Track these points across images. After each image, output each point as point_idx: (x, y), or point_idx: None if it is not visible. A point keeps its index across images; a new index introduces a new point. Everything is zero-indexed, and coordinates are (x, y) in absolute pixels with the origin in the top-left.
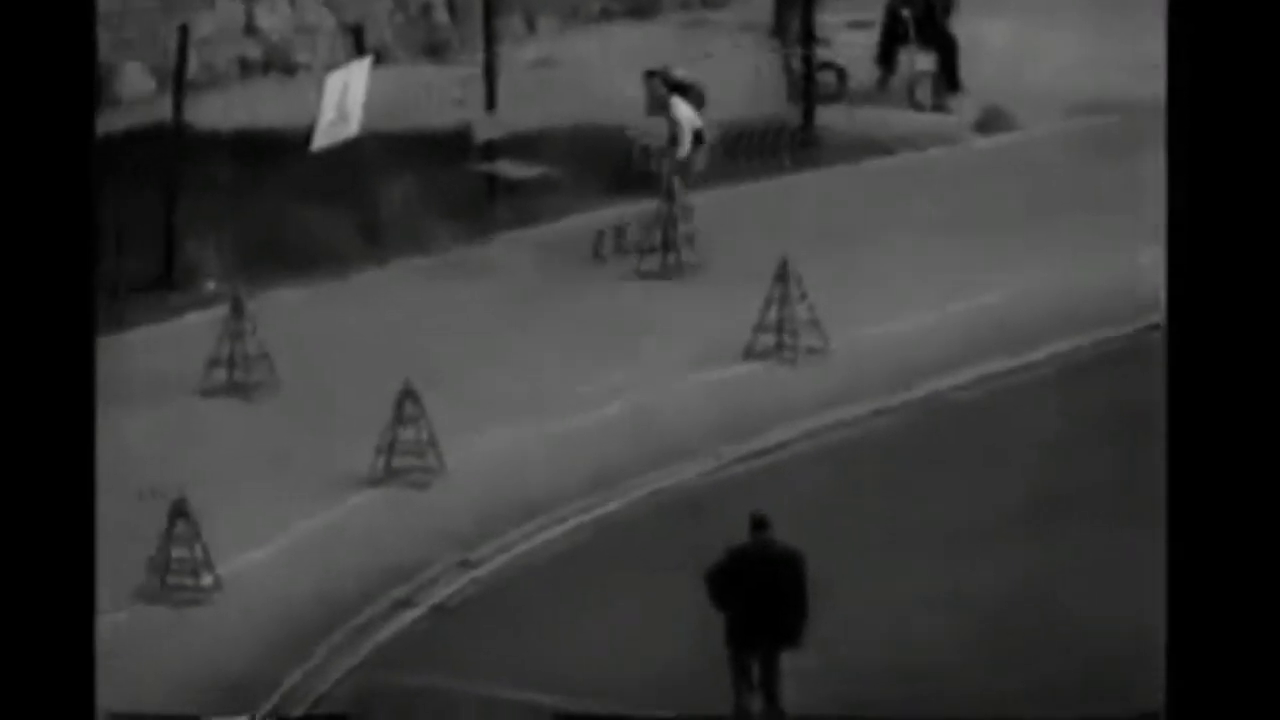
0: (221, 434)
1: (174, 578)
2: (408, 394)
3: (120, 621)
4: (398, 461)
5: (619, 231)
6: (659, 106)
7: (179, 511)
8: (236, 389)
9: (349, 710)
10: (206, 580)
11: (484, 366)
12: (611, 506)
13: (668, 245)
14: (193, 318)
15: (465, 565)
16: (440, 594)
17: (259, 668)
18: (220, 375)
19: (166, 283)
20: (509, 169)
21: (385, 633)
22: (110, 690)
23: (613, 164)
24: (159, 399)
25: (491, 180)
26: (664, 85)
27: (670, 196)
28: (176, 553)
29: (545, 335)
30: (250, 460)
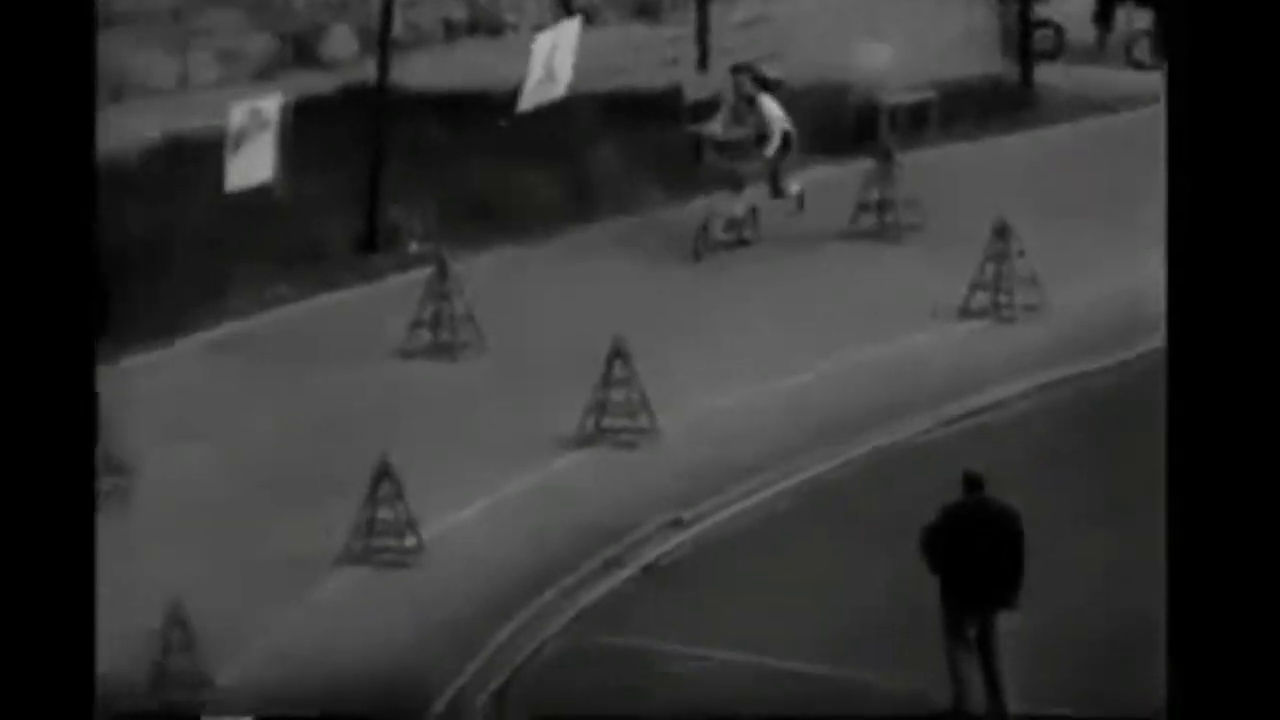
0: (426, 396)
1: (378, 539)
2: (618, 354)
3: (327, 583)
4: (607, 422)
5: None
6: (746, 103)
7: (383, 473)
8: (441, 350)
9: (560, 669)
10: (410, 542)
11: (694, 326)
12: (826, 465)
13: (883, 205)
14: (396, 280)
15: (676, 525)
16: (651, 554)
17: (465, 629)
18: (424, 337)
19: (370, 245)
20: (720, 129)
21: (594, 593)
22: (317, 652)
23: (822, 122)
24: (362, 361)
25: (702, 140)
26: (752, 81)
27: (887, 157)
28: (381, 514)
29: (758, 294)
30: (455, 422)
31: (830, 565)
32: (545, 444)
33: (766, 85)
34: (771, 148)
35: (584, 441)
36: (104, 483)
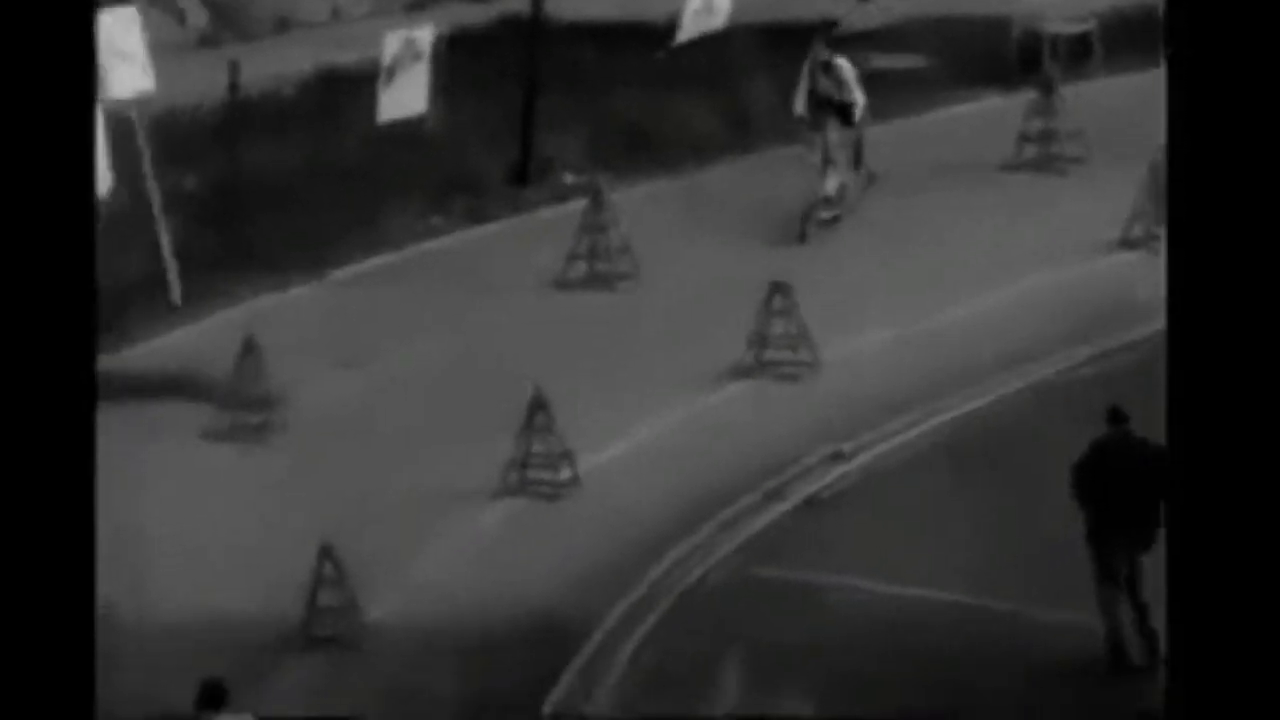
0: (582, 328)
1: (533, 472)
2: (778, 287)
3: (481, 516)
4: (768, 354)
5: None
6: (824, 68)
7: (538, 405)
8: (598, 282)
9: (719, 603)
10: (565, 474)
11: (852, 258)
12: (984, 400)
13: (1046, 137)
14: (549, 211)
15: (837, 458)
16: (811, 487)
17: (621, 562)
18: (581, 268)
19: (523, 176)
20: (879, 60)
21: (754, 526)
22: (470, 586)
23: (986, 53)
24: (517, 293)
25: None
26: (827, 48)
27: (1049, 88)
28: (535, 447)
29: (916, 226)
30: (612, 354)
31: (986, 498)
32: (704, 376)
33: (836, 48)
34: (858, 113)
35: (744, 374)
36: (255, 416)
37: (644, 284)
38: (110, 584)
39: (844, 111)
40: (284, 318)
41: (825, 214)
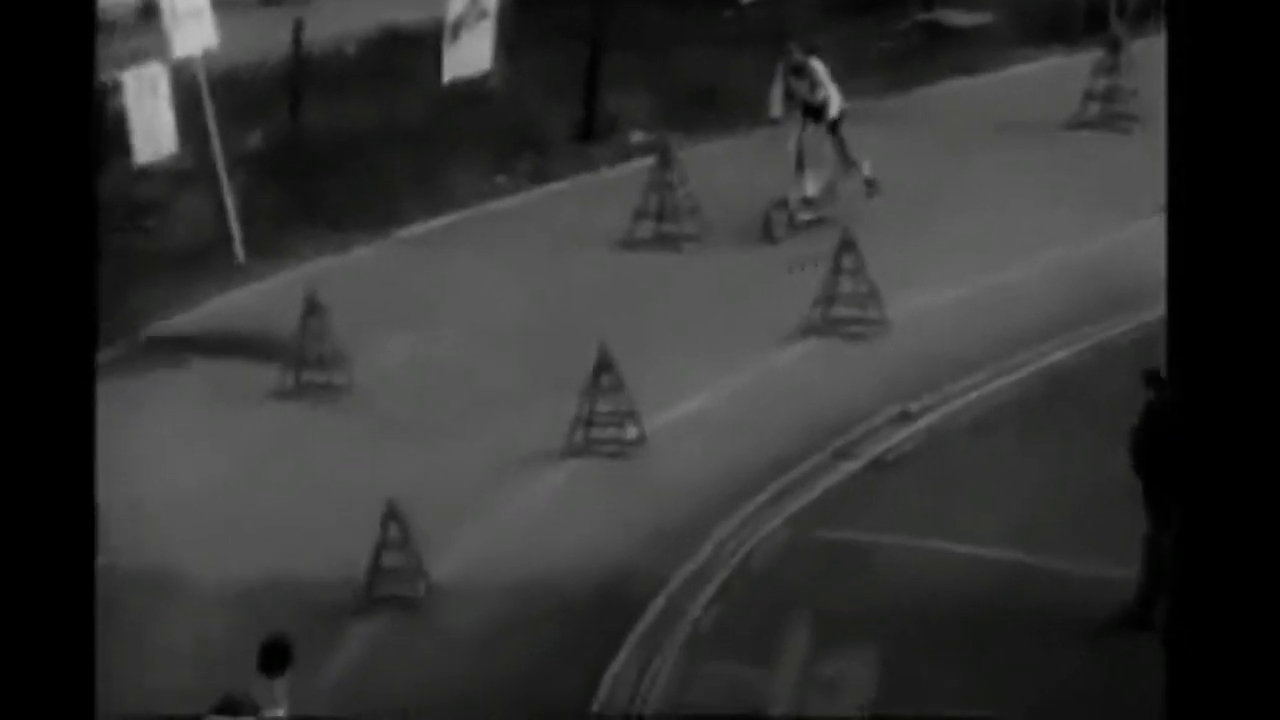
0: (649, 287)
1: (599, 431)
2: (846, 245)
3: (547, 476)
4: (837, 312)
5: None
6: (796, 71)
7: (604, 364)
8: (665, 241)
9: (783, 564)
10: (632, 434)
11: (919, 216)
12: (1052, 358)
13: (1111, 95)
14: (615, 170)
15: (905, 418)
16: (878, 447)
17: (687, 522)
18: (648, 227)
19: (589, 134)
20: (951, 17)
21: (820, 487)
22: (535, 546)
23: (1049, 12)
24: (583, 251)
25: (933, 29)
26: (799, 53)
27: (1115, 47)
28: (601, 406)
29: (980, 185)
30: (679, 312)
31: (1050, 459)
32: (771, 336)
33: (814, 50)
34: (834, 110)
35: (812, 333)
36: (321, 376)
37: (711, 243)
38: (175, 547)
39: (819, 113)
40: (349, 277)
41: (807, 215)
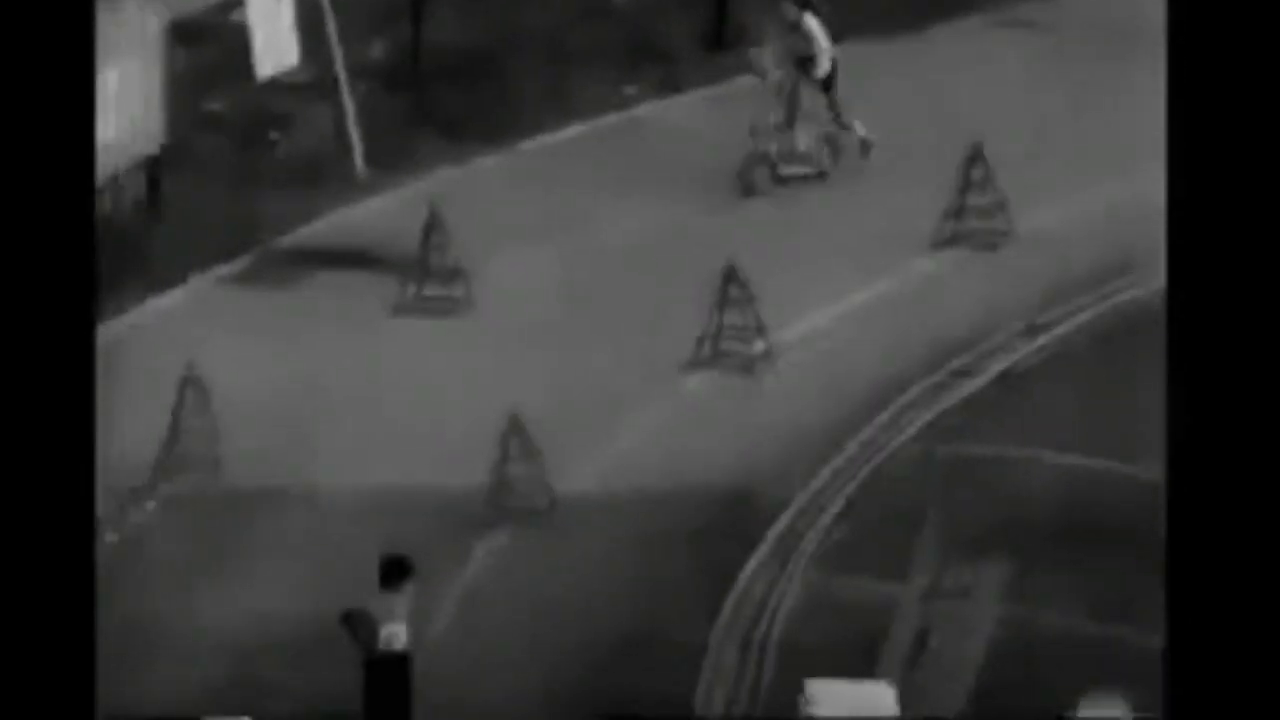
0: (778, 197)
1: (726, 344)
2: (976, 157)
3: (674, 389)
4: (967, 225)
5: None
6: (791, 27)
7: (730, 277)
8: (795, 154)
9: (911, 478)
10: (759, 347)
11: (1054, 128)
12: None
13: None
14: (745, 80)
15: (1031, 332)
16: (1006, 361)
17: (813, 437)
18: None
19: (718, 44)
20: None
21: (948, 400)
22: (662, 459)
23: None
24: (711, 162)
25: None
26: (795, 3)
27: None
28: (729, 319)
29: (1109, 93)
30: (808, 224)
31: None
32: (899, 249)
33: (810, 4)
34: (823, 68)
35: (941, 245)
36: (444, 289)
37: (844, 154)
38: (300, 460)
39: (806, 64)
40: (472, 189)
41: (794, 170)
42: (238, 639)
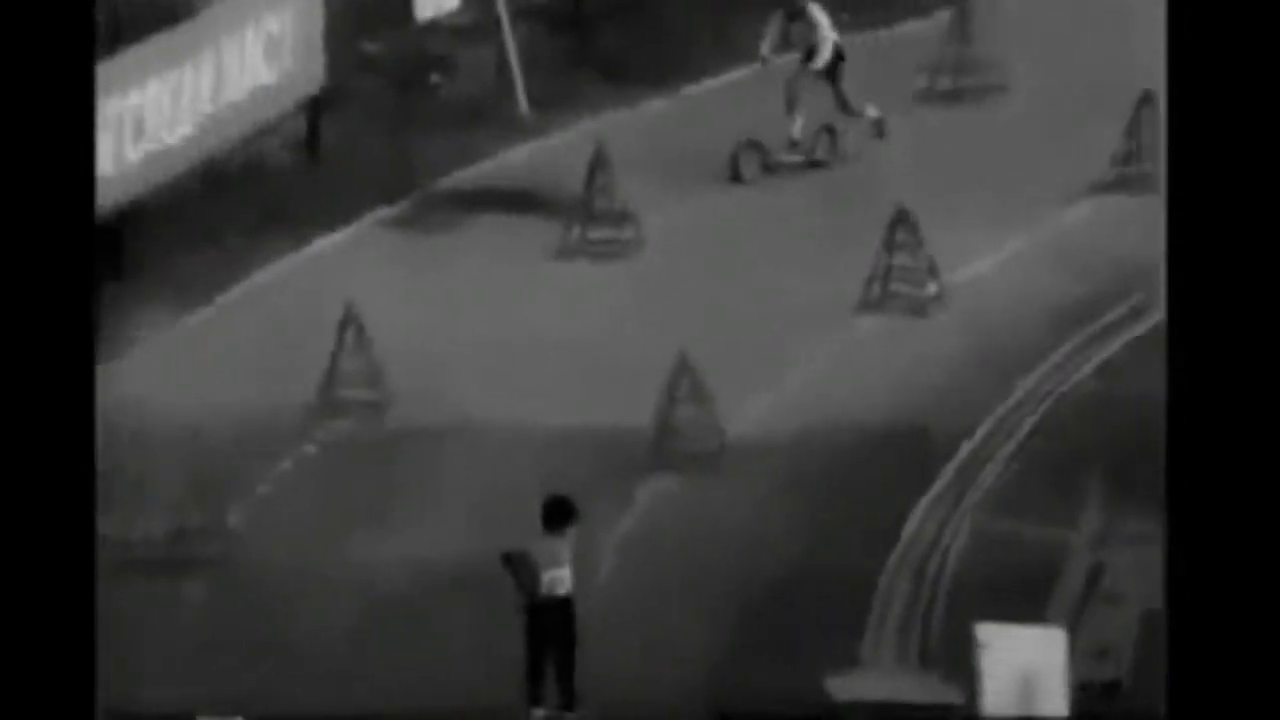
0: (946, 140)
1: (896, 285)
2: (1145, 99)
3: (843, 332)
4: (1133, 170)
5: None
6: (796, 15)
7: (900, 219)
8: (962, 95)
9: (1083, 417)
10: (930, 289)
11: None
12: None
13: None
14: (912, 24)
15: None
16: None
17: (984, 378)
18: (945, 82)
19: None
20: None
21: (1118, 341)
22: (832, 403)
23: None
24: (878, 107)
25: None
26: None
27: None
28: (898, 261)
29: None
30: (977, 167)
31: None
32: (1065, 192)
33: None
34: (823, 58)
35: (1106, 189)
36: (609, 232)
37: (1012, 98)
38: (468, 400)
39: (809, 55)
40: (636, 132)
41: (788, 158)
42: (395, 581)
